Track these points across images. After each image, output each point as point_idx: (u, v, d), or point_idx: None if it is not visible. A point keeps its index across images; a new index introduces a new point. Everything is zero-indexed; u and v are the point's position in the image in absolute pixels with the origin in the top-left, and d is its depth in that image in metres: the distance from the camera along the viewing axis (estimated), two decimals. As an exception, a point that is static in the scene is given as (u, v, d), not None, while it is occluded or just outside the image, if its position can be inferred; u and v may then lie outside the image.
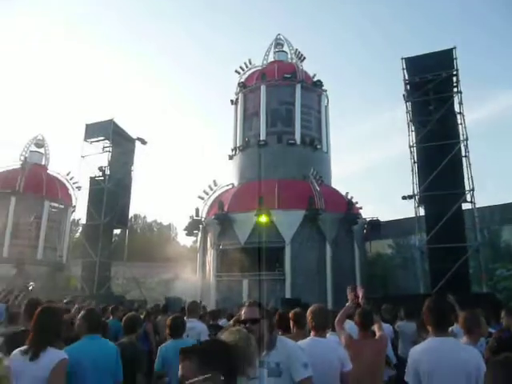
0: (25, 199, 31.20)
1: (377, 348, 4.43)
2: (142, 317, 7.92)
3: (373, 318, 4.63)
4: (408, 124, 20.11)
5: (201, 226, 25.07)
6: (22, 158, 33.35)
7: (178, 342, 4.76)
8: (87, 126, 29.49)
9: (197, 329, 6.08)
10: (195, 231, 25.87)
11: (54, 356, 2.96)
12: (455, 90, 19.79)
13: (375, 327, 4.69)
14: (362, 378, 4.01)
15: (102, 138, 29.07)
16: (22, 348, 3.02)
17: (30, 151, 34.11)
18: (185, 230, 26.12)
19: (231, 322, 5.76)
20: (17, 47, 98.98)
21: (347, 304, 4.73)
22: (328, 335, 4.78)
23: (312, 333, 3.74)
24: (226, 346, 1.95)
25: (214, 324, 8.37)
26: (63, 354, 3.05)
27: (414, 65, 20.12)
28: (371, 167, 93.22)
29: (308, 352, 3.08)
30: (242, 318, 2.94)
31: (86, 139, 29.28)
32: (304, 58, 29.64)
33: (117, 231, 31.05)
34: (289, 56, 29.85)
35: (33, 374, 2.87)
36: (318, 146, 25.84)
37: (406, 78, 20.34)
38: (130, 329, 4.78)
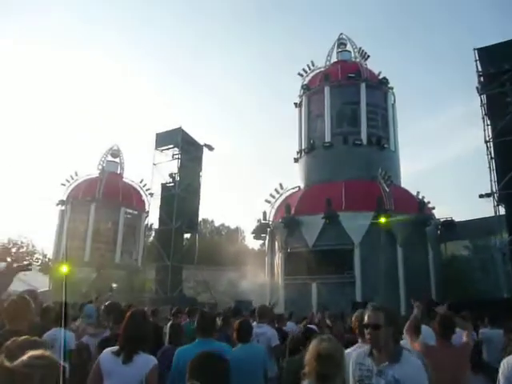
0: (103, 206, 33.32)
1: (459, 356, 4.19)
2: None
3: (454, 324, 4.39)
4: (483, 118, 19.04)
5: (268, 229, 25.27)
6: (100, 167, 35.67)
7: (246, 346, 4.62)
8: (157, 135, 30.92)
9: (267, 334, 5.99)
10: (263, 234, 26.14)
11: (147, 361, 3.04)
12: (535, 79, 18.43)
13: (464, 334, 4.46)
14: None
15: (171, 145, 30.33)
16: (113, 349, 3.11)
17: (107, 161, 36.38)
18: (252, 233, 26.51)
19: (301, 325, 5.70)
20: (92, 59, 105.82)
21: (414, 313, 4.48)
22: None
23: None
24: None
25: (278, 328, 8.13)
26: (154, 360, 3.12)
27: (488, 55, 19.02)
28: (443, 164, 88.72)
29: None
30: (365, 321, 2.81)
31: (156, 148, 30.71)
32: (368, 56, 28.99)
33: (187, 235, 32.17)
34: (352, 55, 29.33)
35: (126, 376, 2.96)
36: (386, 145, 25.11)
37: (480, 69, 19.27)
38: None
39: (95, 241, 33.15)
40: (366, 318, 2.81)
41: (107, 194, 33.44)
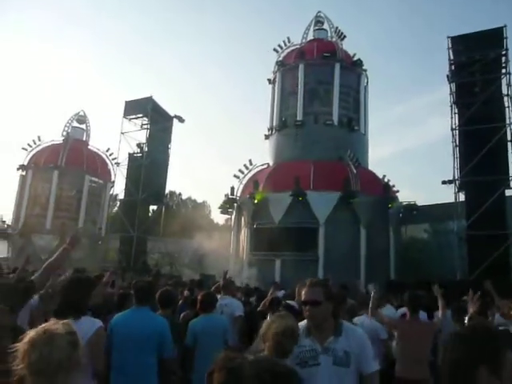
0: (67, 174, 32.38)
1: (425, 331, 4.46)
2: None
3: (421, 302, 4.65)
4: (451, 106, 19.47)
5: (235, 204, 25.30)
6: (64, 133, 34.43)
7: (209, 317, 4.79)
8: (126, 103, 30.07)
9: (232, 305, 6.12)
10: (230, 209, 26.16)
11: (93, 323, 2.92)
12: (504, 71, 18.92)
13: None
14: (408, 357, 4.05)
15: (140, 115, 29.62)
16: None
17: (72, 127, 35.13)
18: (219, 208, 26.50)
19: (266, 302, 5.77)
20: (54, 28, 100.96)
21: (373, 295, 4.65)
22: (361, 317, 4.86)
23: None
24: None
25: (245, 300, 8.40)
26: (99, 322, 3.00)
27: (461, 44, 19.32)
28: (409, 150, 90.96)
29: None
30: (302, 298, 2.67)
31: (125, 116, 29.93)
32: (344, 36, 28.86)
33: (153, 207, 31.82)
34: (329, 34, 29.14)
35: None
36: (356, 128, 25.35)
37: (452, 57, 19.57)
38: (165, 303, 4.75)
39: (57, 208, 32.29)
40: (303, 294, 2.67)
41: (71, 161, 32.42)
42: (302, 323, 2.68)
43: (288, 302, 4.99)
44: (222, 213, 27.15)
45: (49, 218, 31.68)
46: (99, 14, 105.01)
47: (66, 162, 32.24)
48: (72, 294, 3.08)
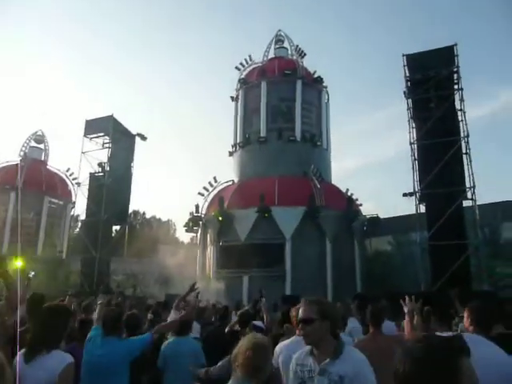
0: (24, 195, 31.15)
1: (389, 344, 4.37)
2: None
3: (383, 315, 4.58)
4: (409, 121, 20.08)
5: (201, 222, 25.03)
6: (22, 153, 33.27)
7: (179, 340, 4.72)
8: (87, 122, 29.43)
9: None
10: (195, 227, 25.84)
11: (63, 359, 2.79)
12: (456, 87, 19.74)
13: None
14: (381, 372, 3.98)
15: (101, 134, 29.02)
16: (22, 351, 2.81)
17: (30, 147, 34.02)
18: (185, 226, 26.10)
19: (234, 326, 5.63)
20: (16, 44, 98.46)
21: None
22: None
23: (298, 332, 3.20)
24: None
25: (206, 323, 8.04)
26: (71, 358, 2.85)
27: (415, 62, 20.06)
28: (371, 164, 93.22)
29: (293, 351, 2.82)
30: (299, 316, 2.56)
31: (85, 135, 29.23)
32: (305, 54, 29.51)
33: (116, 227, 31.01)
34: (289, 52, 29.72)
35: (30, 378, 2.65)
36: (319, 143, 25.79)
37: (407, 74, 20.28)
38: (132, 328, 4.52)
39: (15, 232, 30.95)
40: (300, 311, 2.59)
41: (29, 181, 31.29)
42: None
43: (254, 322, 4.87)
44: (187, 231, 26.77)
45: (5, 242, 30.31)
46: (55, 28, 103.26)
47: (24, 183, 31.06)
48: (49, 324, 2.89)
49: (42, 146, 34.89)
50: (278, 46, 29.84)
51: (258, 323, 4.48)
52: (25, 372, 2.69)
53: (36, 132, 34.63)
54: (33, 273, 25.45)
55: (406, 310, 3.88)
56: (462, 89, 19.53)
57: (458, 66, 19.71)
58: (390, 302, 8.96)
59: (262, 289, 7.96)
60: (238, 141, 26.85)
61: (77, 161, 29.79)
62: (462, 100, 19.38)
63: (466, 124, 19.03)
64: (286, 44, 29.97)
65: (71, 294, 7.86)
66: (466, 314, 3.08)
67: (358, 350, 2.63)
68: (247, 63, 28.68)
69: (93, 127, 29.04)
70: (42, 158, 34.59)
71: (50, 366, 2.72)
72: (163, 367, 4.61)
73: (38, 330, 2.88)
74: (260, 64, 28.54)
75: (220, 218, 22.43)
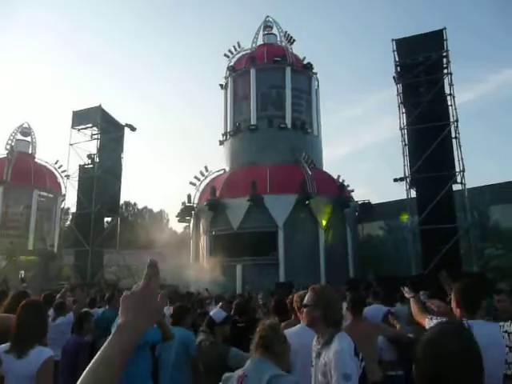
0: (13, 189, 30.77)
1: (369, 332, 4.45)
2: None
3: (363, 303, 4.71)
4: (399, 106, 20.14)
5: (193, 212, 24.99)
6: (8, 146, 32.75)
7: (175, 329, 4.57)
8: (74, 113, 29.08)
9: None
10: (187, 217, 25.80)
11: (41, 353, 2.84)
12: (445, 71, 19.78)
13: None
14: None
15: (89, 125, 28.70)
16: (3, 346, 2.86)
17: (16, 140, 33.47)
18: (177, 216, 26.07)
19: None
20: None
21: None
22: None
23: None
24: None
25: (202, 312, 7.90)
26: (50, 352, 2.92)
27: (405, 46, 20.03)
28: (362, 150, 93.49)
29: (297, 340, 2.92)
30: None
31: (73, 126, 28.90)
32: (294, 40, 29.30)
33: (108, 219, 30.83)
34: (278, 39, 29.47)
35: (21, 373, 2.72)
36: (309, 130, 25.75)
37: (397, 59, 20.26)
38: None
39: (4, 226, 30.63)
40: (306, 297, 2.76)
41: (17, 175, 30.79)
42: None
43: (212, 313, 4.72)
44: (179, 221, 26.75)
45: (-5, 236, 30.01)
46: (44, 18, 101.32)
47: (12, 177, 30.64)
48: (32, 320, 2.92)
49: (28, 138, 34.35)
50: (266, 33, 29.55)
51: (217, 313, 4.36)
52: (10, 367, 2.71)
53: (22, 124, 34.05)
54: (22, 272, 25.34)
55: (407, 295, 3.93)
56: (451, 73, 19.59)
57: (447, 51, 19.73)
58: (381, 286, 9.12)
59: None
60: (228, 129, 26.71)
61: (65, 153, 29.50)
62: (451, 84, 19.44)
63: (455, 109, 19.14)
64: (274, 30, 29.70)
65: (76, 285, 7.73)
66: (453, 296, 3.01)
67: None
68: (236, 50, 28.41)
69: (80, 118, 28.70)
70: (30, 151, 34.07)
71: (33, 361, 2.77)
72: (158, 356, 4.46)
73: (22, 326, 2.90)
74: (249, 51, 28.27)
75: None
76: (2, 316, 3.51)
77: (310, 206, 21.74)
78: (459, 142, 18.71)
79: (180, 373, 4.25)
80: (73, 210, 30.96)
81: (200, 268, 23.47)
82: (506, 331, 3.01)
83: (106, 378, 0.87)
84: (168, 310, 5.98)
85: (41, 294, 6.57)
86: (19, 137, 33.77)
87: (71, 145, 28.67)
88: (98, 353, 0.91)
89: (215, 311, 4.33)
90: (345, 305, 5.09)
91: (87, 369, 0.89)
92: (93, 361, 0.90)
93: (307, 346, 2.79)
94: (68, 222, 40.90)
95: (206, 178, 25.41)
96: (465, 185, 18.43)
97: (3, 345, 2.88)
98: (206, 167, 25.50)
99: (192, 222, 25.71)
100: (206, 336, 4.06)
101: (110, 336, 0.94)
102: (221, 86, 28.31)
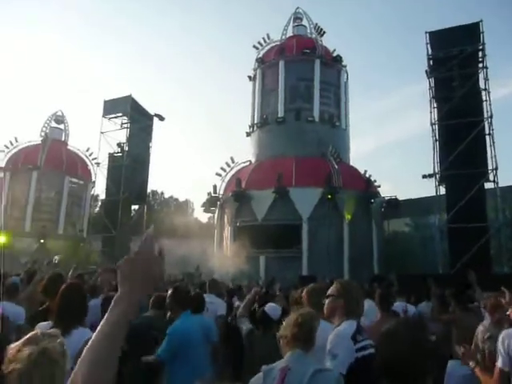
0: (46, 174, 31.74)
1: None
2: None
3: (391, 299, 4.63)
4: (430, 101, 19.64)
5: (218, 202, 25.16)
6: (43, 133, 33.75)
7: (196, 317, 4.58)
8: (105, 102, 29.64)
9: (215, 304, 6.13)
10: (212, 208, 26.00)
11: (84, 334, 2.82)
12: (481, 65, 19.17)
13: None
14: None
15: (120, 114, 29.22)
16: (45, 324, 2.87)
17: (50, 127, 34.46)
18: (202, 206, 26.33)
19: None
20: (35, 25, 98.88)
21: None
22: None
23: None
24: None
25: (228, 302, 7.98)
26: (90, 333, 2.80)
27: (439, 39, 19.48)
28: (390, 145, 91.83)
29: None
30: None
31: (104, 115, 29.48)
32: (324, 32, 28.91)
33: (135, 207, 31.45)
34: (308, 30, 29.11)
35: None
36: (337, 123, 25.45)
37: (430, 52, 19.74)
38: (158, 305, 4.63)
39: (37, 210, 31.66)
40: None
41: (50, 161, 31.78)
42: None
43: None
44: (204, 211, 27.00)
45: (28, 220, 31.06)
46: (73, 13, 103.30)
47: (45, 163, 31.60)
48: (74, 301, 3.01)
49: (61, 126, 35.31)
50: (296, 24, 29.22)
51: (272, 309, 4.25)
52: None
53: (56, 112, 35.00)
54: (57, 257, 26.08)
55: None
56: (486, 67, 18.96)
57: (483, 44, 19.09)
58: (405, 283, 8.97)
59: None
60: (255, 121, 26.68)
61: (96, 141, 30.18)
62: (486, 79, 18.82)
63: (490, 104, 18.53)
64: (304, 22, 29.35)
65: (108, 269, 7.83)
66: None
67: (370, 333, 2.69)
68: (265, 42, 28.23)
69: (111, 107, 29.28)
70: (63, 139, 35.04)
71: (76, 341, 2.66)
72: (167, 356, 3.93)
73: (64, 307, 2.95)
74: (278, 43, 28.07)
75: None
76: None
77: (336, 200, 21.54)
78: (493, 139, 18.15)
79: (202, 360, 4.24)
80: (102, 196, 31.73)
81: (224, 257, 23.67)
82: None
83: (106, 353, 0.90)
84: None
85: (73, 277, 6.75)
86: (53, 124, 34.77)
87: (102, 133, 29.28)
88: (98, 328, 0.94)
89: (270, 307, 4.09)
90: (367, 301, 5.03)
91: (88, 346, 0.92)
92: (92, 338, 0.93)
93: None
94: (97, 209, 41.92)
95: (231, 169, 25.53)
96: (497, 183, 17.90)
97: (44, 323, 2.95)
98: (232, 158, 25.64)
99: (217, 212, 25.89)
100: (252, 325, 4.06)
101: (108, 310, 0.96)
102: (249, 77, 28.27)
